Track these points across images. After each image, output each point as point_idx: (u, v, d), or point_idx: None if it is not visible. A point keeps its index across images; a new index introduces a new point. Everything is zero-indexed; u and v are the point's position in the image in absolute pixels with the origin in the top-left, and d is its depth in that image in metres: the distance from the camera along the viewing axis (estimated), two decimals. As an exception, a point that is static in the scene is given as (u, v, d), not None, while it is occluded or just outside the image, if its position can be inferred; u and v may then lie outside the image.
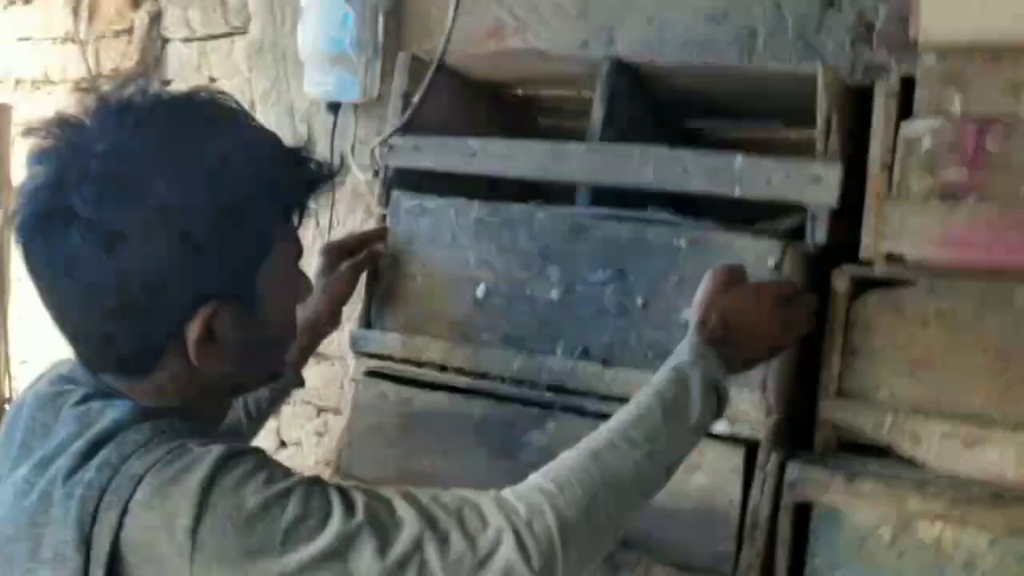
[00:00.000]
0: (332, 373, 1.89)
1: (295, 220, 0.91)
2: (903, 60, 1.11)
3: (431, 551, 0.78)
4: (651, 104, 1.37)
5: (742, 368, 1.00)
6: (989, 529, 0.98)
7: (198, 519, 0.77)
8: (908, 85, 1.09)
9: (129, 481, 0.79)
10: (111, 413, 0.84)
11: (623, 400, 1.11)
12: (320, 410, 1.92)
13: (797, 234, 1.14)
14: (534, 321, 1.21)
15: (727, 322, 0.97)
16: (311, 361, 1.90)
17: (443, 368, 1.28)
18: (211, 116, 0.86)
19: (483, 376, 1.25)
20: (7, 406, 2.05)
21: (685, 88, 1.35)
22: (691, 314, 1.00)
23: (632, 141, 1.22)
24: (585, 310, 1.18)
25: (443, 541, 0.79)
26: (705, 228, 1.14)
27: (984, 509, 0.98)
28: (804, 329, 1.04)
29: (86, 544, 0.77)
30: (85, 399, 0.86)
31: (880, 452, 1.09)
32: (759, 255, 1.10)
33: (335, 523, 0.78)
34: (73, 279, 0.82)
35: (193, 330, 0.84)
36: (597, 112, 1.26)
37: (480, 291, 1.24)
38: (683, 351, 0.96)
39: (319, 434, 1.92)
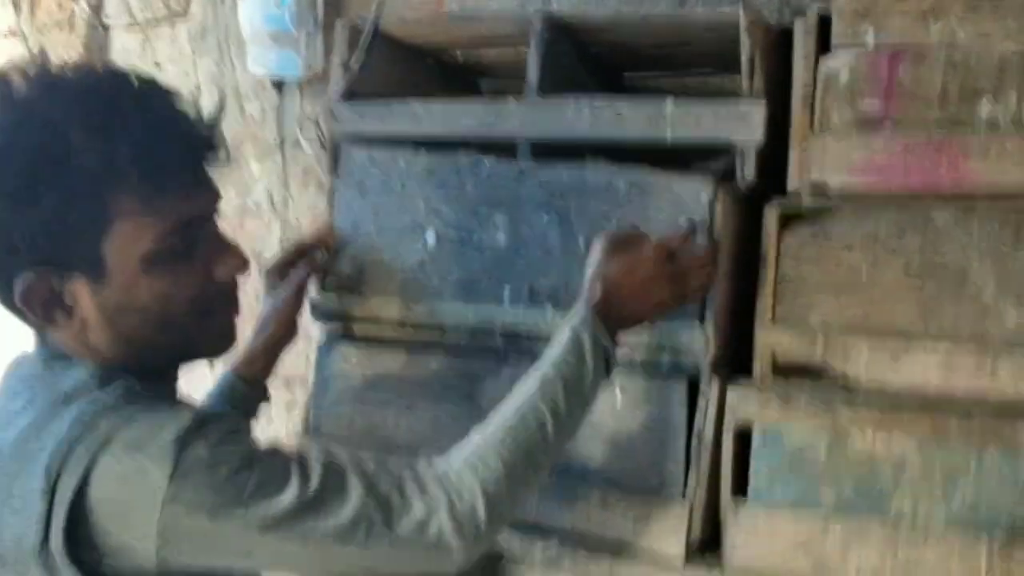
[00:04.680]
0: (298, 347, 1.92)
1: (179, 191, 0.88)
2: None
3: (376, 516, 0.88)
4: (587, 60, 1.41)
5: (631, 327, 1.06)
6: (917, 434, 1.04)
7: (172, 474, 0.82)
8: (825, 24, 1.14)
9: (100, 436, 0.83)
10: (74, 372, 0.89)
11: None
12: (288, 381, 1.95)
13: (729, 176, 1.19)
14: (483, 266, 1.25)
15: (609, 291, 1.04)
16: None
17: (401, 324, 1.32)
18: (79, 85, 0.91)
19: (440, 330, 1.30)
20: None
21: (619, 42, 1.39)
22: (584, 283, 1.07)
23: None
24: (531, 253, 1.22)
25: (386, 506, 0.89)
26: (642, 171, 1.19)
27: (911, 416, 1.05)
28: (698, 277, 1.08)
29: (51, 492, 0.81)
30: (45, 362, 0.92)
31: (816, 373, 1.15)
32: (694, 194, 1.15)
33: (292, 490, 0.86)
34: None
35: (33, 291, 0.86)
36: (533, 69, 1.29)
37: (430, 238, 1.29)
38: (575, 318, 1.03)
39: (288, 407, 1.95)
